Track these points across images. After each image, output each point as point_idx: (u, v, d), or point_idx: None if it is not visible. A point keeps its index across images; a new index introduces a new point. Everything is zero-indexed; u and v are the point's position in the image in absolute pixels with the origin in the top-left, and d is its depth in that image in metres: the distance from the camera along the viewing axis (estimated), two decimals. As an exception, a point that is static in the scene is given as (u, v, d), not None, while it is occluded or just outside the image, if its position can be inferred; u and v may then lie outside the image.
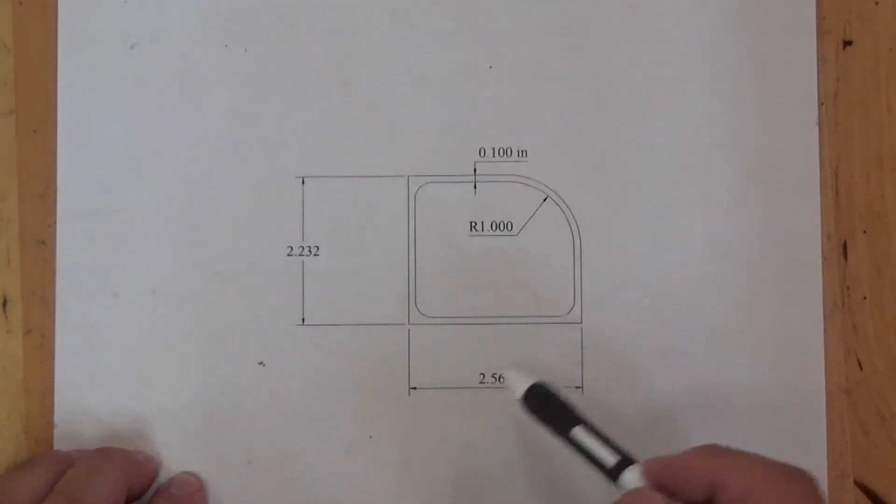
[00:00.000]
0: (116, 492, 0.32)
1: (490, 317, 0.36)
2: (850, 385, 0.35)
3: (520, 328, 0.36)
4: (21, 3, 0.37)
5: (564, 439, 0.32)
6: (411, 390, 0.36)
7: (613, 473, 0.30)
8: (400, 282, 0.36)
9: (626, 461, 0.30)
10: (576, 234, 0.36)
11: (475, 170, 0.37)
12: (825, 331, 0.36)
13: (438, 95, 0.37)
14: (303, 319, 0.36)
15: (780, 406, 0.35)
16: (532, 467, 0.36)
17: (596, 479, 0.31)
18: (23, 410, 0.36)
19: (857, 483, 0.35)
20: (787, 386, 0.35)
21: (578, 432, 0.31)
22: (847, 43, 0.36)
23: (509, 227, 0.36)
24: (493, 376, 0.36)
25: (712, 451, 0.29)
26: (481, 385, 0.36)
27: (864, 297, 0.36)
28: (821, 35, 0.36)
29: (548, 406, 0.33)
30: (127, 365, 0.36)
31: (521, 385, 0.33)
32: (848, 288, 0.36)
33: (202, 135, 0.37)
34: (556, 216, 0.36)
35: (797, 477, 0.27)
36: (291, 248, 0.36)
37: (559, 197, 0.36)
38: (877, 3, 0.36)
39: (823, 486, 0.35)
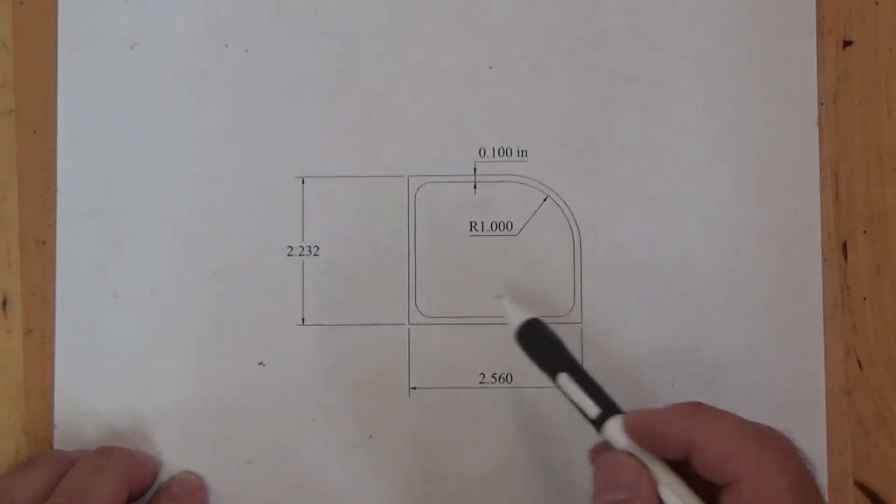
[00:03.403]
0: (118, 491, 0.32)
1: (490, 317, 0.36)
2: (850, 385, 0.35)
3: (520, 328, 0.36)
4: (21, 3, 0.37)
5: (553, 382, 0.31)
6: (411, 390, 0.36)
7: (596, 423, 0.30)
8: (400, 282, 0.36)
9: (609, 412, 0.30)
10: (576, 234, 0.36)
11: (475, 170, 0.37)
12: (825, 331, 0.36)
13: (438, 95, 0.37)
14: (303, 319, 0.36)
15: (780, 406, 0.35)
16: (531, 467, 0.36)
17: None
18: (23, 410, 0.36)
19: (857, 483, 0.35)
20: (787, 386, 0.35)
21: (564, 380, 0.31)
22: (847, 43, 0.36)
23: (509, 227, 0.36)
24: (493, 376, 0.36)
25: (691, 409, 0.28)
26: (481, 385, 0.36)
27: (864, 298, 0.36)
28: (821, 35, 0.36)
29: (540, 345, 0.32)
30: (127, 365, 0.36)
31: (516, 318, 0.33)
32: (848, 288, 0.36)
33: (202, 135, 0.37)
34: (556, 216, 0.36)
35: (774, 440, 0.27)
36: (291, 248, 0.36)
37: (559, 197, 0.36)
38: (877, 3, 0.36)
39: (823, 486, 0.35)
